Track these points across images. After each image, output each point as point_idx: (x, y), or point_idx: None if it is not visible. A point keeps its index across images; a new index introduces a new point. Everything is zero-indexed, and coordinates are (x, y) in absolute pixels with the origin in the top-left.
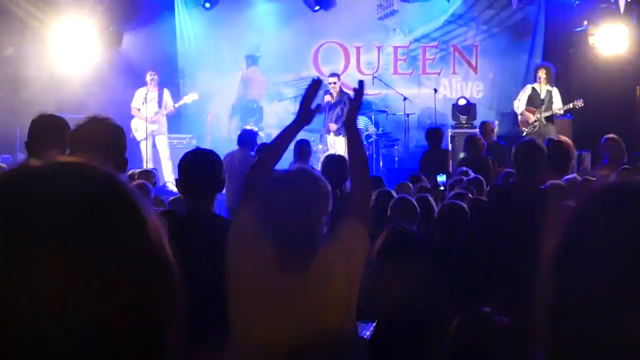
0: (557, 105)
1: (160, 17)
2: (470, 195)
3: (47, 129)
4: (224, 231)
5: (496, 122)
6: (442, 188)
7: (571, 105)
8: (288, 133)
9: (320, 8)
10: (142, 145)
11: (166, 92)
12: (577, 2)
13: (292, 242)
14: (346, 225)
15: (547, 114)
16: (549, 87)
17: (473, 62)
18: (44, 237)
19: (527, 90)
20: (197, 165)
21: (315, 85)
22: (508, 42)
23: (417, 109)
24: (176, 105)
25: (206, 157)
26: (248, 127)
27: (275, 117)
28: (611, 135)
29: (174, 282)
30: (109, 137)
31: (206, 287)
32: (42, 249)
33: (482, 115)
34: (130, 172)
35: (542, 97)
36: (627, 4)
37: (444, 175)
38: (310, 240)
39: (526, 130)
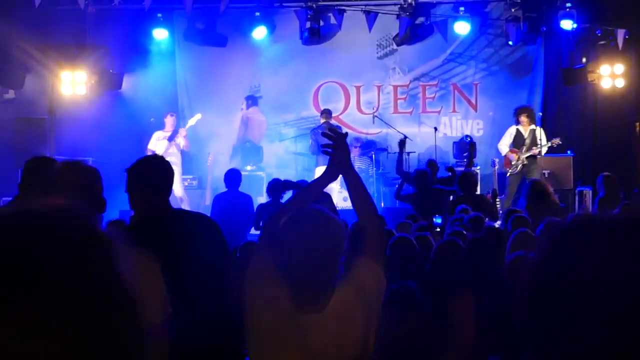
0: (543, 142)
1: (160, 59)
2: (465, 232)
3: (35, 171)
4: (189, 220)
5: (496, 160)
6: (438, 229)
7: (550, 144)
8: (316, 186)
9: (323, 39)
10: None
11: (181, 131)
12: (574, 33)
13: (308, 283)
14: (362, 265)
15: (528, 154)
16: (532, 127)
17: (473, 100)
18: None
19: (512, 131)
20: (151, 167)
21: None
22: (507, 79)
23: (418, 147)
24: (186, 127)
25: (155, 161)
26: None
27: (275, 158)
28: (607, 173)
29: (138, 317)
30: (82, 180)
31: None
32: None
33: (481, 153)
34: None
35: (525, 137)
36: (625, 41)
37: (440, 217)
38: (327, 281)
39: (510, 170)
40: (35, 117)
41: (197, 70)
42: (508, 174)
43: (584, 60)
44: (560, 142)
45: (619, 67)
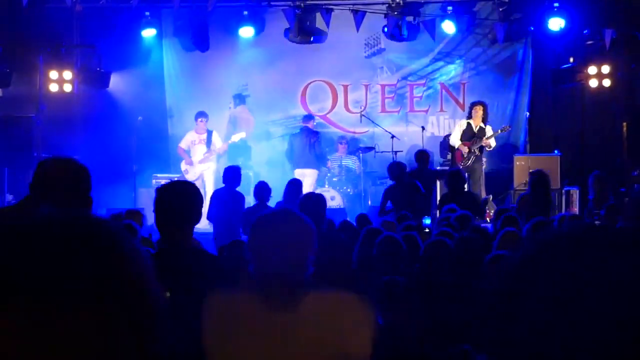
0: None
1: (148, 58)
2: (452, 231)
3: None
4: (200, 264)
5: (484, 160)
6: (427, 230)
7: (499, 131)
8: None
9: (311, 40)
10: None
11: (215, 135)
12: (561, 33)
13: (278, 282)
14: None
15: (479, 145)
16: (482, 125)
17: (460, 99)
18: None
19: (462, 124)
20: (175, 197)
21: None
22: (495, 79)
23: (405, 146)
24: (229, 142)
25: (184, 189)
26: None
27: (263, 156)
28: (597, 173)
29: (159, 317)
30: (70, 177)
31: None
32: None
33: None
34: (118, 212)
35: (475, 131)
36: (612, 41)
37: (429, 218)
38: (297, 279)
39: (462, 163)
40: (22, 116)
41: (184, 69)
42: (461, 166)
43: (571, 60)
44: (510, 128)
45: (606, 67)
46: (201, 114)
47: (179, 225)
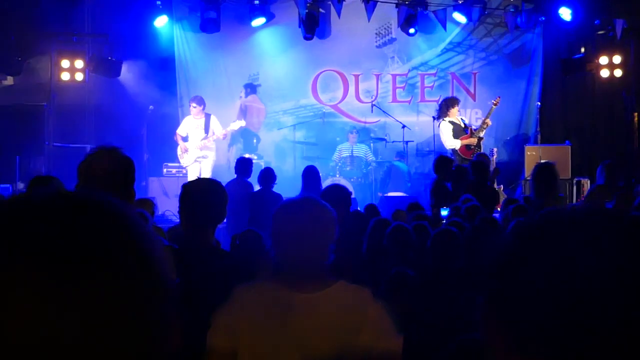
0: (476, 124)
1: (159, 46)
2: (461, 221)
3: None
4: (220, 263)
5: (495, 150)
6: (444, 221)
7: (493, 107)
8: None
9: (313, 37)
10: (191, 171)
11: (213, 119)
12: (572, 23)
13: (299, 269)
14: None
15: (481, 134)
16: (461, 117)
17: (471, 89)
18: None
19: (448, 126)
20: (200, 194)
21: None
22: (506, 69)
23: (416, 136)
24: (227, 129)
25: (210, 187)
26: (246, 155)
27: (273, 146)
28: (608, 161)
29: (173, 308)
30: (115, 168)
31: (199, 315)
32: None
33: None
34: None
35: (462, 126)
36: (623, 31)
37: (447, 210)
38: (318, 268)
39: (473, 155)
40: (34, 104)
41: (196, 58)
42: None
43: (582, 50)
44: (499, 98)
45: (617, 57)
46: (193, 99)
47: (201, 223)
